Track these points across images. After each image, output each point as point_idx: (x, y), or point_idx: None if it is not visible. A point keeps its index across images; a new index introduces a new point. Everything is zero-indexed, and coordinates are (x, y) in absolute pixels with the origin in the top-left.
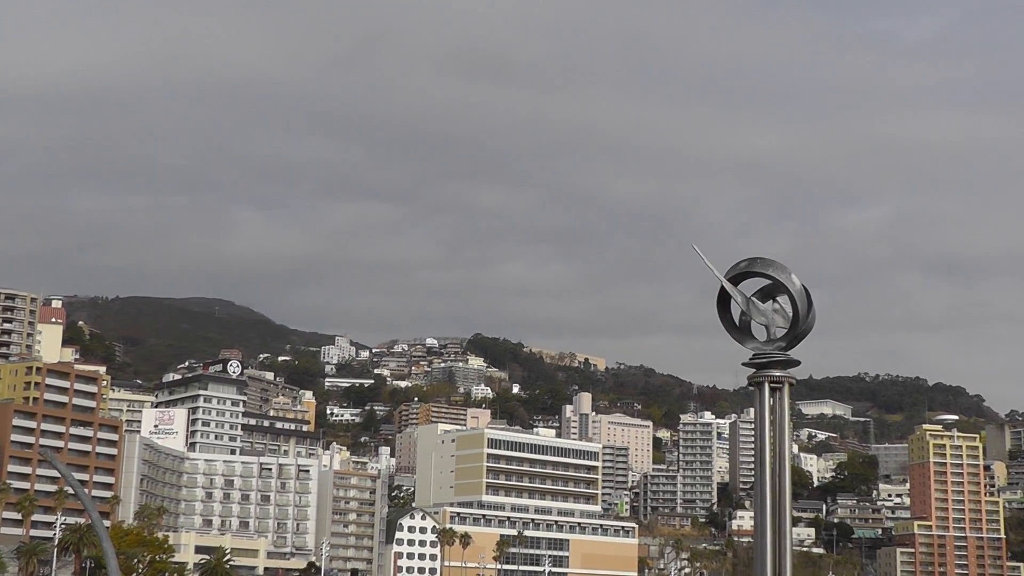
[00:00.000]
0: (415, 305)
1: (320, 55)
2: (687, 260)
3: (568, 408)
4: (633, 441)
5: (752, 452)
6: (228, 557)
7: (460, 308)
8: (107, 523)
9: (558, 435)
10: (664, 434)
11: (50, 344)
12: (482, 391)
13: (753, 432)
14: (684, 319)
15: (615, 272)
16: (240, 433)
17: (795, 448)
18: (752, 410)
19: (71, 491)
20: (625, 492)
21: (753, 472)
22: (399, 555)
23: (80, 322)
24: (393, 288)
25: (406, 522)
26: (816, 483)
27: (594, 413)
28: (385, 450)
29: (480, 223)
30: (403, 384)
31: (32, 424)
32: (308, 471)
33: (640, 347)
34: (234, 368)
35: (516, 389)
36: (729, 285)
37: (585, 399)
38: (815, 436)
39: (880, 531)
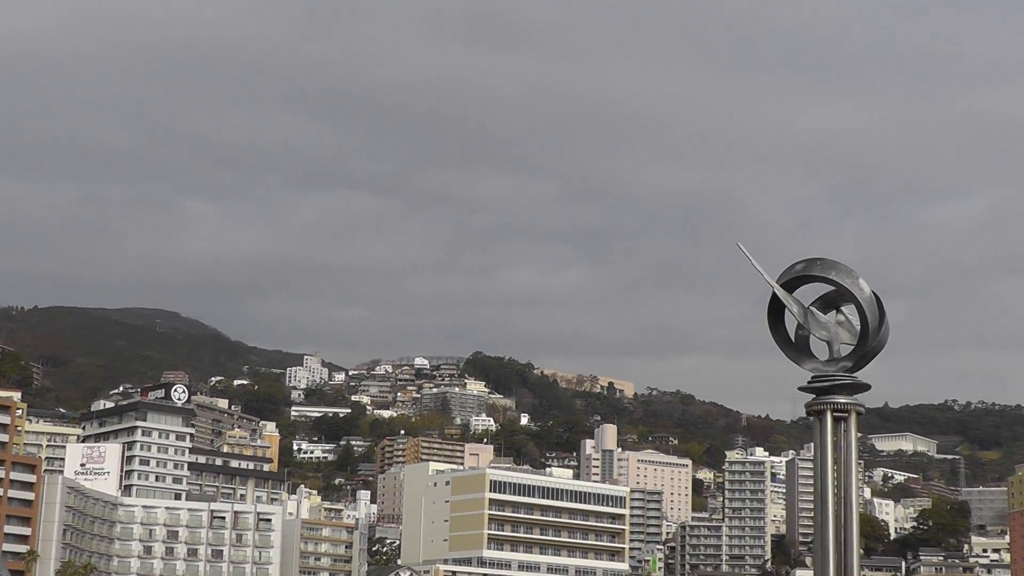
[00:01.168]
0: (402, 318)
1: (290, 16)
2: (733, 264)
3: (588, 443)
4: (668, 484)
5: (813, 497)
6: None
7: (457, 321)
8: None
9: (576, 476)
10: (706, 475)
11: None
12: (483, 423)
13: (814, 472)
14: (730, 335)
15: (646, 279)
16: (186, 474)
17: (866, 492)
18: (812, 445)
19: None
20: (658, 546)
21: (814, 521)
22: None
23: None
24: (376, 297)
25: None
26: (893, 535)
27: (620, 450)
28: (365, 494)
29: (482, 219)
30: (386, 414)
31: None
32: (270, 520)
33: (677, 369)
34: (180, 394)
35: (525, 420)
36: (783, 292)
37: (609, 432)
38: (891, 477)
39: None
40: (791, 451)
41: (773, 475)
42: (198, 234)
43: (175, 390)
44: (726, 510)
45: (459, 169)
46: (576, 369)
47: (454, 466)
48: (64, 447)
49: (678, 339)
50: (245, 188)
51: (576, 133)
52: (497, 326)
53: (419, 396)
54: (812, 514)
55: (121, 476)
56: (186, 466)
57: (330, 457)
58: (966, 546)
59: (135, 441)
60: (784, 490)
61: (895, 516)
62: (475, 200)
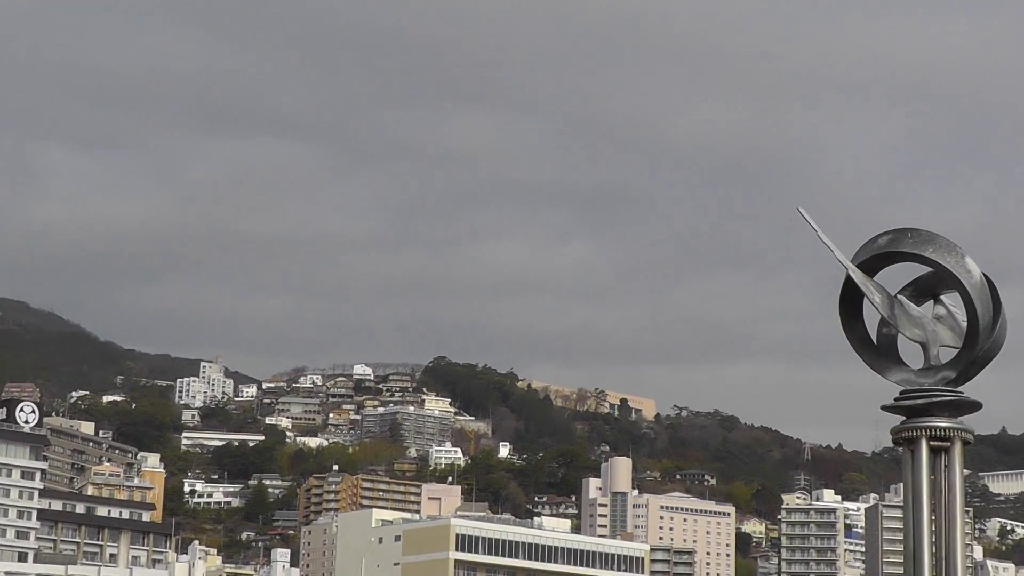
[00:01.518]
0: (338, 310)
1: None
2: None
3: (593, 484)
4: (703, 539)
5: (903, 558)
6: None
7: (414, 315)
8: None
9: (576, 529)
10: (755, 527)
11: None
12: (448, 455)
13: (904, 524)
14: (788, 335)
15: (675, 256)
16: (35, 525)
17: (977, 551)
18: (902, 486)
19: None
20: None
21: None
22: None
23: None
24: (302, 282)
25: None
26: None
27: (637, 492)
28: (283, 554)
29: (450, 176)
30: (314, 443)
31: None
32: None
33: (715, 381)
34: (27, 415)
35: (505, 451)
36: (861, 275)
37: (622, 468)
38: (1011, 531)
39: None
40: (872, 495)
41: (848, 528)
42: (57, 194)
43: (21, 409)
44: (783, 575)
45: (419, 108)
46: (577, 381)
47: (407, 515)
48: None
49: (718, 340)
50: (124, 132)
51: (578, 58)
52: (468, 322)
53: (359, 418)
54: None
55: None
56: (35, 515)
57: (235, 502)
58: None
59: None
60: (863, 547)
61: None
62: (440, 149)
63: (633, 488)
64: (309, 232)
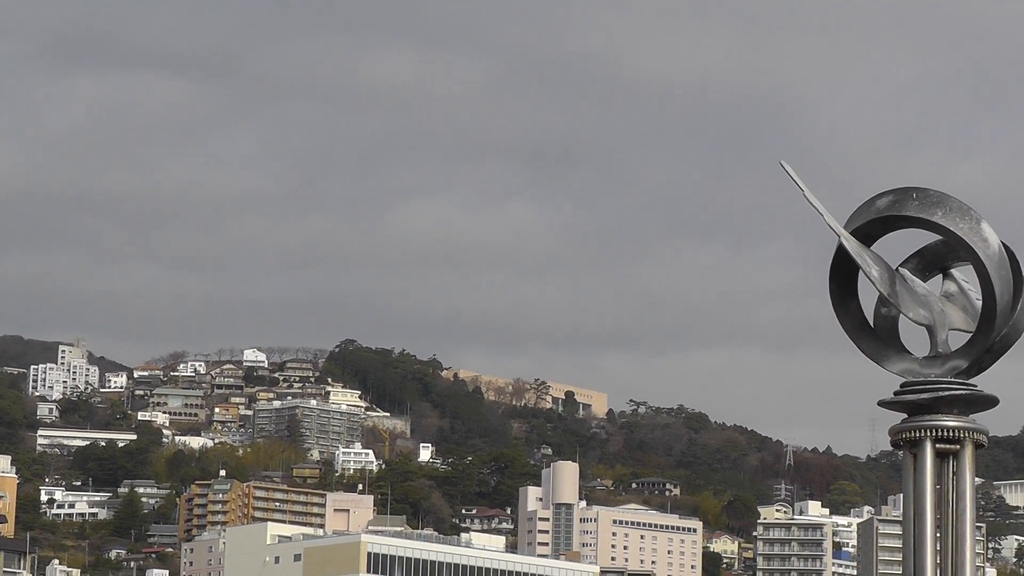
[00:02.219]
0: (225, 284)
1: None
2: (781, 200)
3: (532, 494)
4: (665, 559)
5: None
6: None
7: (317, 290)
8: None
9: (512, 548)
10: (727, 546)
11: None
12: (358, 457)
13: (903, 542)
14: (770, 316)
15: (639, 221)
16: None
17: (991, 573)
18: (902, 498)
19: None
20: None
21: None
22: None
23: None
24: (181, 249)
25: None
26: None
27: (584, 503)
28: (160, 574)
29: (365, 120)
30: (196, 443)
31: None
32: None
33: (680, 371)
34: None
35: (426, 455)
36: (856, 244)
37: (566, 475)
38: None
39: None
40: (867, 508)
41: (837, 546)
42: None
43: None
44: None
45: (327, 40)
46: (513, 371)
47: (309, 530)
48: None
49: (686, 322)
50: None
51: None
52: (382, 299)
53: (250, 414)
54: None
55: None
56: None
57: (102, 514)
58: None
59: None
60: (855, 570)
61: None
62: (353, 90)
63: (580, 499)
64: (191, 191)
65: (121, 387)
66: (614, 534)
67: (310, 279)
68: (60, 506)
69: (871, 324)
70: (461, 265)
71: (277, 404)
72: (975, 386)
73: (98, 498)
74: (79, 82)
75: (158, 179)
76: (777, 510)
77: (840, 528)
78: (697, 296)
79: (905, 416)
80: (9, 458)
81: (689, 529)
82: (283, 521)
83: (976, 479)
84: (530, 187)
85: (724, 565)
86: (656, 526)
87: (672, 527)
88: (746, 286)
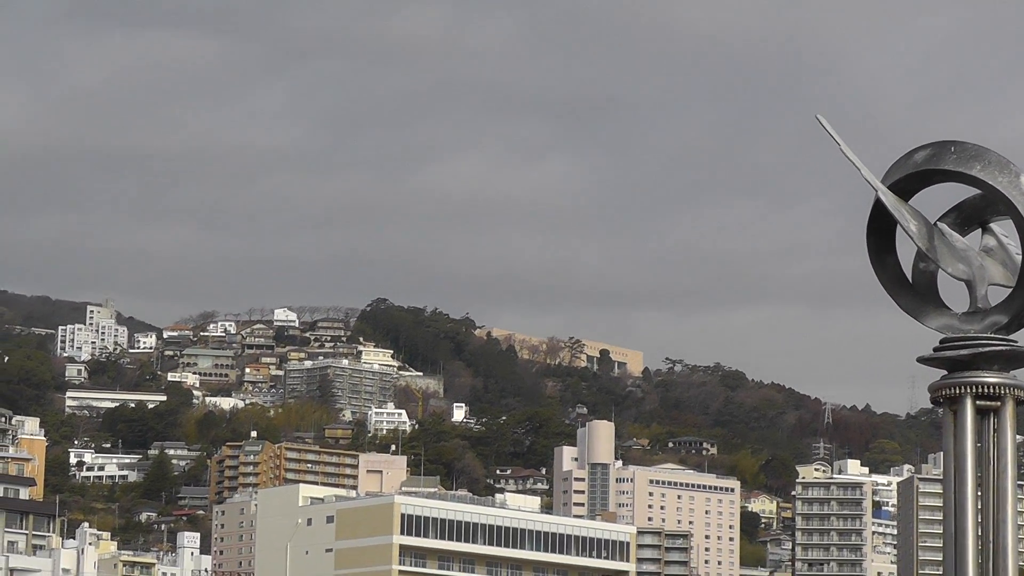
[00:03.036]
0: (256, 243)
1: None
2: (817, 155)
3: (567, 454)
4: (702, 519)
5: (943, 541)
6: None
7: (349, 249)
8: None
9: (547, 508)
10: (765, 505)
11: None
12: (391, 418)
13: (943, 500)
14: (808, 273)
15: (672, 179)
16: None
17: None
18: (942, 455)
19: None
20: None
21: None
22: None
23: None
24: (210, 207)
25: None
26: None
27: (620, 463)
28: (191, 537)
29: (397, 77)
30: (227, 403)
31: None
32: None
33: (717, 329)
34: None
35: (460, 415)
36: (893, 199)
37: (602, 435)
38: None
39: None
40: (906, 466)
41: (877, 505)
42: None
43: None
44: (799, 562)
45: None
46: (548, 329)
47: (341, 491)
48: None
49: (722, 279)
50: None
51: None
52: (415, 256)
53: (281, 374)
54: (941, 569)
55: None
56: None
57: (132, 476)
58: None
59: None
60: (895, 529)
61: None
62: (385, 45)
63: (616, 459)
64: (221, 148)
65: (150, 348)
66: (650, 494)
67: (341, 237)
68: (89, 469)
69: (909, 279)
70: (494, 222)
71: (308, 364)
72: (1015, 342)
73: (128, 460)
74: (107, 40)
75: (187, 137)
76: (815, 469)
77: (880, 487)
78: (734, 252)
79: (945, 372)
80: (37, 420)
81: (726, 489)
82: (315, 483)
83: (1018, 436)
84: (564, 142)
85: (762, 525)
86: (693, 486)
87: (709, 487)
88: (784, 242)
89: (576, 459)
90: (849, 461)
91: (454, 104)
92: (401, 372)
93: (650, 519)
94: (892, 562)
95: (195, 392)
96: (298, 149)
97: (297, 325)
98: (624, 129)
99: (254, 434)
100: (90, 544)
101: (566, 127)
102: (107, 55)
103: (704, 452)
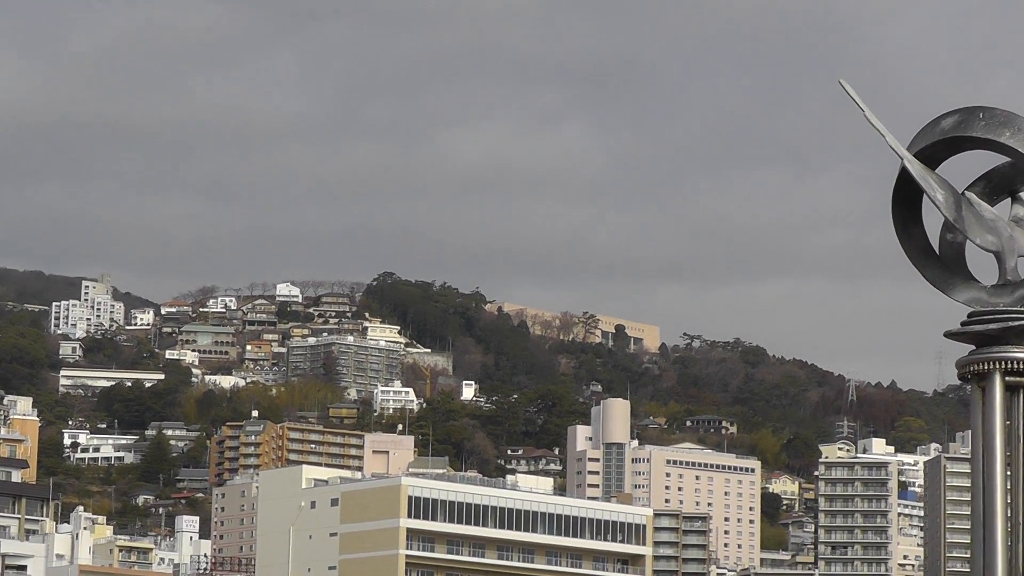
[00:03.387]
0: (258, 215)
1: None
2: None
3: (581, 433)
4: (721, 501)
5: (971, 522)
6: None
7: (355, 220)
8: None
9: (560, 490)
10: (787, 486)
11: None
12: (397, 397)
13: (972, 480)
14: (832, 244)
15: (693, 147)
16: None
17: None
18: (970, 434)
19: None
20: None
21: (971, 563)
22: None
23: None
24: (213, 179)
25: None
26: None
27: (637, 443)
28: (190, 521)
29: (407, 43)
30: (227, 382)
31: None
32: (25, 568)
33: (738, 303)
34: None
35: (469, 393)
36: (918, 167)
37: (618, 413)
38: None
39: None
40: (933, 445)
41: (903, 486)
42: None
43: None
44: (821, 545)
45: None
46: (561, 304)
47: (346, 473)
48: None
49: (743, 251)
50: None
51: None
52: (424, 228)
53: (284, 351)
54: (969, 551)
55: None
56: None
57: (129, 458)
58: None
59: None
60: (921, 510)
61: None
62: (396, 7)
63: (632, 438)
64: (225, 117)
65: (148, 324)
66: (668, 475)
67: (347, 208)
68: (84, 450)
69: (936, 251)
70: (508, 192)
71: (312, 341)
72: None
73: (124, 441)
74: (109, 5)
75: (190, 105)
76: (839, 448)
77: (906, 467)
78: (756, 223)
79: (973, 348)
80: (31, 400)
81: (747, 469)
82: (319, 464)
83: None
84: (584, 110)
85: (784, 507)
86: (712, 466)
87: (729, 467)
88: (808, 213)
89: (590, 439)
90: (874, 440)
91: (469, 70)
92: (408, 349)
93: (667, 501)
94: (919, 544)
95: (194, 370)
96: (305, 117)
97: (300, 300)
98: (645, 96)
99: (255, 414)
100: (85, 529)
101: (585, 94)
102: (108, 21)
103: (723, 431)
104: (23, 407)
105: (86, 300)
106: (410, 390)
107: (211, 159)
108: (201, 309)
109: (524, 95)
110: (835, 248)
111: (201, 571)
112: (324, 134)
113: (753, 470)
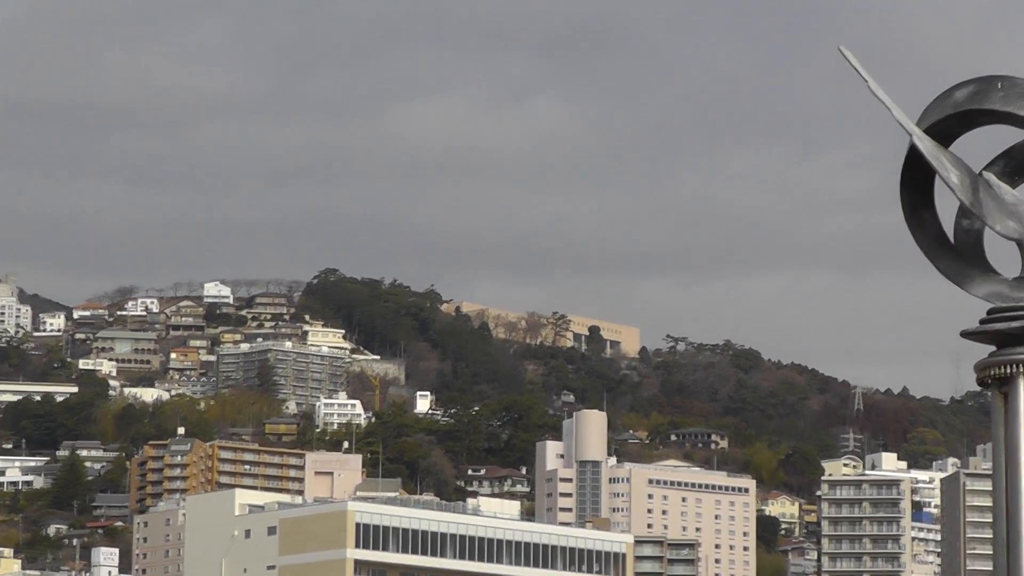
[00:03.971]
0: (185, 204)
1: None
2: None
3: (552, 449)
4: (711, 525)
5: (993, 547)
6: None
7: (294, 210)
8: None
9: (528, 515)
10: (786, 508)
11: None
12: (343, 411)
13: (993, 499)
14: (837, 232)
15: (680, 123)
16: None
17: None
18: (991, 446)
19: None
20: None
21: None
22: None
23: None
24: (133, 164)
25: None
26: None
27: (615, 460)
28: (108, 553)
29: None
30: (149, 395)
31: None
32: None
33: (729, 300)
34: None
35: (425, 405)
36: (929, 144)
37: (592, 426)
38: None
39: None
40: (951, 460)
41: (917, 506)
42: None
43: None
44: (825, 574)
45: None
46: (528, 303)
47: (285, 497)
48: None
49: (736, 240)
50: None
51: None
52: (373, 217)
53: (213, 359)
54: None
55: None
56: None
57: (39, 482)
58: None
59: None
60: (938, 536)
61: None
62: None
63: (609, 455)
64: (146, 93)
65: (59, 330)
66: (650, 496)
67: (285, 196)
68: None
69: (951, 239)
70: (468, 176)
71: (245, 347)
72: None
73: (33, 463)
74: None
75: (107, 81)
76: (845, 464)
77: (920, 485)
78: (750, 208)
79: (994, 349)
80: None
81: (740, 489)
82: (254, 487)
83: None
84: (555, 82)
85: (782, 531)
86: (700, 486)
87: (720, 487)
88: (808, 197)
89: (562, 456)
90: (884, 455)
91: (427, 37)
92: (355, 356)
93: (650, 526)
94: (935, 573)
95: (112, 382)
96: (239, 93)
97: (232, 301)
98: (625, 66)
99: (181, 431)
100: None
101: (558, 64)
102: None
103: (713, 446)
104: None
105: None
106: (357, 402)
107: (131, 141)
108: (119, 312)
109: (487, 64)
110: (839, 237)
111: None
112: (259, 111)
113: (747, 490)
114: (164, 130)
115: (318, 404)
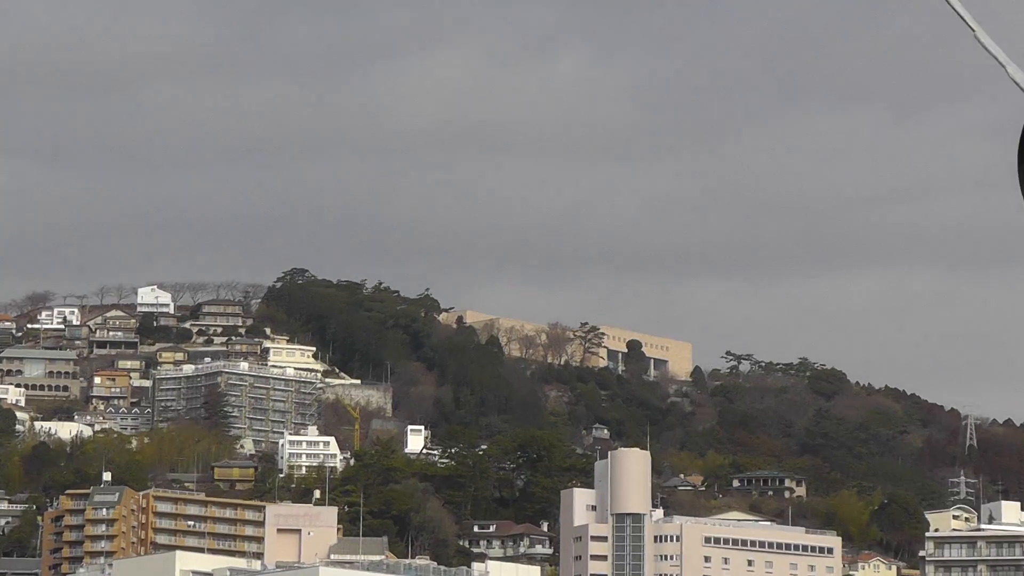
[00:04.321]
0: (119, 185)
1: None
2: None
3: (580, 499)
4: None
5: None
6: None
7: (253, 194)
8: None
9: None
10: (879, 571)
11: None
12: (313, 450)
13: None
14: (943, 219)
15: (739, 84)
16: None
17: None
18: None
19: None
20: None
21: None
22: None
23: None
24: (58, 133)
25: None
26: None
27: (660, 512)
28: None
29: None
30: (67, 430)
31: None
32: None
33: (805, 306)
34: None
35: (418, 443)
36: None
37: (631, 468)
38: None
39: None
40: None
41: None
42: None
43: None
44: None
45: None
46: (550, 312)
47: (239, 561)
48: None
49: (812, 231)
50: None
51: None
52: (351, 204)
53: (148, 384)
54: None
55: None
56: None
57: None
58: None
59: None
60: None
61: None
62: None
63: (655, 506)
64: (76, 53)
65: None
66: (707, 560)
67: (243, 176)
68: None
69: None
70: (474, 151)
71: (189, 369)
72: None
73: None
74: None
75: (28, 38)
76: (955, 516)
77: None
78: (830, 191)
79: None
80: None
81: (822, 549)
82: (199, 549)
83: None
84: (582, 35)
85: None
86: (772, 545)
87: (796, 546)
88: (905, 175)
89: (594, 507)
90: (1004, 504)
91: None
92: (328, 379)
93: None
94: None
95: (19, 414)
96: (184, 50)
97: (172, 311)
98: (669, 15)
99: (108, 477)
100: None
101: (585, 12)
102: None
103: (787, 494)
104: None
105: None
106: (331, 439)
107: (54, 108)
108: (29, 325)
109: (496, 12)
110: (947, 227)
111: None
112: (210, 72)
113: (831, 550)
114: (88, 95)
115: (281, 442)
